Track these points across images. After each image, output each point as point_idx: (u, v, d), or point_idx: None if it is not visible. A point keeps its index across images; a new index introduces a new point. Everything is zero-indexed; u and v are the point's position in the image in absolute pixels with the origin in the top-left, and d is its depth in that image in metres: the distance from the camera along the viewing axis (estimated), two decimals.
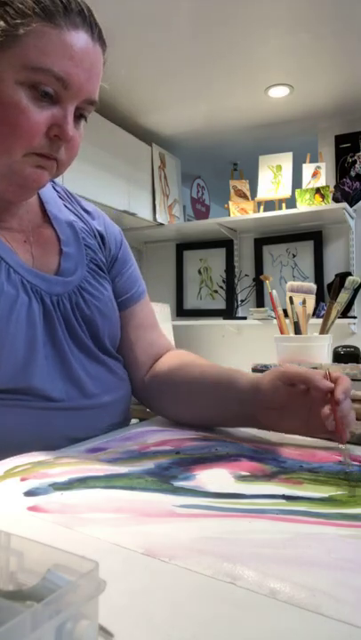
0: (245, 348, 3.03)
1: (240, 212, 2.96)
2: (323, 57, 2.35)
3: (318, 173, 2.83)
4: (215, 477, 0.48)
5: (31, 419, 0.61)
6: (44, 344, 0.63)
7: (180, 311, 3.34)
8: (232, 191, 3.03)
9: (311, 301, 1.01)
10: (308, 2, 1.94)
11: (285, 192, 2.91)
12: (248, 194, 3.01)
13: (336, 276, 2.62)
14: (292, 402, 0.60)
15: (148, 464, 0.51)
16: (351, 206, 2.73)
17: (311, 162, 2.88)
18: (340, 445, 0.56)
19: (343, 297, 0.98)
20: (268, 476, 0.49)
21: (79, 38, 0.55)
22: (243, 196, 3.02)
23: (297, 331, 0.98)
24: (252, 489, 0.45)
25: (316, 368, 0.72)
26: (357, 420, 0.65)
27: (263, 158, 3.02)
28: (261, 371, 0.77)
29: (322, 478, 0.48)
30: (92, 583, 0.21)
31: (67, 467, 0.50)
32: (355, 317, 2.75)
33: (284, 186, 2.92)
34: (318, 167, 2.85)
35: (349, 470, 0.51)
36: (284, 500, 0.43)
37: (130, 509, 0.40)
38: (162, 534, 0.36)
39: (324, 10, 1.99)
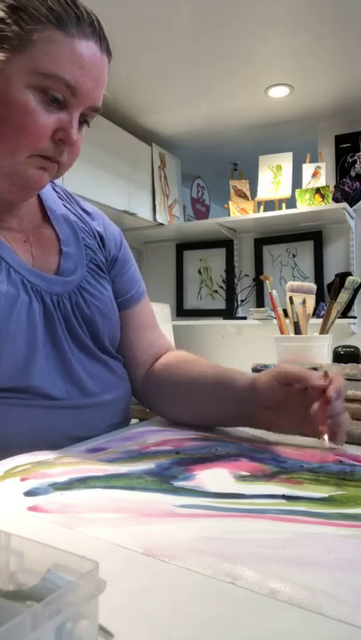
0: (245, 347, 3.03)
1: (240, 212, 2.96)
2: (323, 57, 2.35)
3: (318, 173, 2.83)
4: (215, 477, 0.48)
5: (32, 417, 0.61)
6: (44, 343, 0.64)
7: (180, 311, 3.34)
8: (232, 191, 3.03)
9: (311, 301, 1.01)
10: (308, 2, 1.94)
11: (285, 192, 2.91)
12: (248, 194, 3.01)
13: (336, 275, 2.62)
14: (288, 401, 0.60)
15: (148, 464, 0.51)
16: (351, 206, 2.73)
17: (311, 162, 2.88)
18: (323, 442, 0.56)
19: (343, 297, 0.98)
20: (268, 476, 0.49)
21: (89, 48, 0.57)
22: (243, 195, 3.02)
23: (297, 331, 0.98)
24: (252, 489, 0.45)
25: (315, 368, 0.72)
26: (356, 419, 0.65)
27: (263, 158, 3.02)
28: (261, 371, 0.77)
29: (322, 478, 0.48)
30: (92, 583, 0.21)
31: (67, 467, 0.50)
32: (355, 317, 2.75)
33: (284, 186, 2.92)
34: (318, 167, 2.85)
35: (336, 469, 0.51)
36: (284, 500, 0.43)
37: (130, 509, 0.40)
38: (162, 534, 0.36)
39: (324, 10, 1.99)
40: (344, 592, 0.28)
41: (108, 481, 0.46)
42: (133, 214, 2.86)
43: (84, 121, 0.62)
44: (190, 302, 3.36)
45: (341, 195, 2.68)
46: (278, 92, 2.66)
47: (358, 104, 2.79)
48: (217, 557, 0.32)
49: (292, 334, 0.98)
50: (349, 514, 0.40)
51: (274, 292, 1.06)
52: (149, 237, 3.36)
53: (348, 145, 2.95)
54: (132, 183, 2.87)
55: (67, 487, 0.44)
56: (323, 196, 2.72)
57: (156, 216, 3.06)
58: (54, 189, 0.78)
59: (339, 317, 1.04)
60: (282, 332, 1.01)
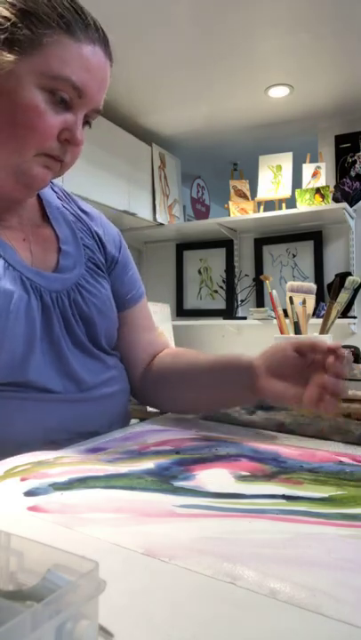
0: (245, 348, 3.01)
1: (240, 212, 2.96)
2: (323, 57, 2.35)
3: (318, 173, 2.83)
4: (215, 477, 0.48)
5: (30, 410, 0.61)
6: (42, 340, 0.64)
7: (180, 311, 3.34)
8: (232, 191, 3.03)
9: (311, 301, 1.01)
10: (308, 2, 1.94)
11: (285, 192, 2.91)
12: (248, 194, 3.01)
13: (336, 275, 2.62)
14: (298, 368, 0.62)
15: (148, 464, 0.52)
16: (351, 206, 2.73)
17: (311, 162, 2.88)
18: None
19: (343, 297, 0.98)
20: (268, 476, 0.49)
21: (95, 52, 0.60)
22: (243, 196, 3.02)
23: (297, 331, 0.98)
24: (252, 489, 0.45)
25: None
26: (357, 419, 0.65)
27: (263, 158, 3.02)
28: None
29: (322, 478, 0.48)
30: (92, 583, 0.21)
31: (67, 467, 0.50)
32: (355, 317, 2.75)
33: (284, 186, 2.92)
34: (318, 167, 2.85)
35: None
36: (284, 500, 0.43)
37: (130, 509, 0.40)
38: (162, 534, 0.36)
39: (324, 10, 1.99)
40: (344, 592, 0.28)
41: (108, 481, 0.46)
42: (133, 214, 2.86)
43: (86, 122, 0.65)
44: (190, 302, 3.36)
45: (341, 195, 2.68)
46: (278, 92, 2.66)
47: (358, 104, 2.79)
48: (217, 557, 0.32)
49: (292, 334, 0.98)
50: (349, 514, 0.40)
51: (274, 292, 1.06)
52: (149, 237, 3.35)
53: (348, 145, 2.95)
54: (132, 183, 2.87)
55: (67, 487, 0.44)
56: (323, 196, 2.72)
57: (156, 216, 3.06)
58: (53, 190, 0.78)
59: (339, 317, 1.04)
60: (282, 332, 1.01)
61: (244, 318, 2.98)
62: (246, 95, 2.69)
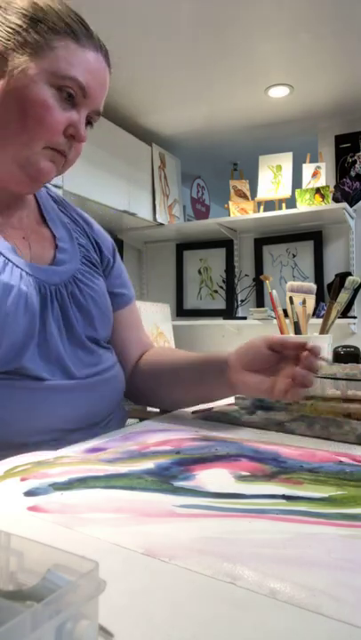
0: None
1: (240, 212, 2.96)
2: (323, 57, 2.35)
3: (318, 173, 2.83)
4: (215, 477, 0.48)
5: (22, 397, 0.62)
6: (40, 332, 0.66)
7: (180, 311, 3.34)
8: (232, 191, 3.03)
9: (311, 301, 1.01)
10: (308, 2, 1.94)
11: (285, 192, 2.91)
12: (248, 194, 3.01)
13: (336, 275, 2.62)
14: (269, 363, 0.68)
15: (148, 464, 0.52)
16: (351, 206, 2.73)
17: (311, 162, 2.88)
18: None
19: (343, 297, 0.98)
20: (268, 476, 0.49)
21: (97, 58, 0.67)
22: (243, 196, 3.02)
23: (297, 331, 0.98)
24: (252, 489, 0.45)
25: None
26: (357, 419, 0.65)
27: (263, 158, 3.02)
28: None
29: (322, 478, 0.48)
30: (92, 583, 0.21)
31: (67, 467, 0.50)
32: (355, 317, 2.75)
33: (284, 186, 2.92)
34: (318, 167, 2.85)
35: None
36: (284, 500, 0.43)
37: (130, 509, 0.40)
38: (162, 534, 0.36)
39: (324, 10, 1.99)
40: (344, 592, 0.28)
41: (108, 481, 0.46)
42: (133, 214, 2.86)
43: (88, 122, 0.70)
44: (190, 302, 3.36)
45: (341, 195, 2.68)
46: (278, 92, 2.66)
47: (358, 104, 2.79)
48: (217, 557, 0.32)
49: (292, 334, 0.98)
50: (349, 514, 0.40)
51: (274, 292, 1.06)
52: (149, 237, 3.35)
53: (348, 145, 2.95)
54: (132, 183, 2.87)
55: (67, 487, 0.45)
56: (323, 196, 2.72)
57: (156, 216, 3.06)
58: (49, 194, 0.82)
59: (339, 317, 1.04)
60: (282, 332, 1.01)
61: (244, 318, 2.98)
62: (246, 95, 2.69)
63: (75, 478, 0.47)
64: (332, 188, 2.75)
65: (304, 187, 2.83)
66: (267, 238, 3.11)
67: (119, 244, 3.15)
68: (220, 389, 0.74)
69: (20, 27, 0.62)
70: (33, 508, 0.40)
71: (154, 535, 0.36)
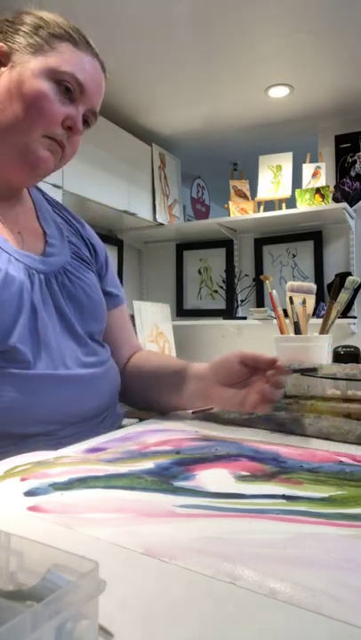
0: (245, 347, 3.00)
1: (240, 212, 2.96)
2: (323, 57, 2.35)
3: (318, 173, 2.83)
4: (215, 477, 0.48)
5: (14, 385, 0.63)
6: (30, 319, 0.67)
7: (180, 311, 3.34)
8: (232, 191, 3.03)
9: (311, 301, 1.01)
10: (308, 1, 1.94)
11: (285, 192, 2.91)
12: (248, 194, 3.01)
13: (336, 275, 2.62)
14: (241, 378, 0.72)
15: (148, 464, 0.52)
16: (351, 206, 2.72)
17: (311, 162, 2.88)
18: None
19: (343, 297, 0.98)
20: (268, 476, 0.49)
21: (93, 63, 0.73)
22: (243, 196, 3.01)
23: (297, 331, 0.98)
24: (252, 489, 0.45)
25: (315, 368, 0.72)
26: (357, 419, 0.65)
27: (263, 158, 3.01)
28: None
29: (322, 478, 0.48)
30: (92, 583, 0.21)
31: (67, 467, 0.50)
32: (355, 317, 2.75)
33: (284, 186, 2.92)
34: (318, 167, 2.84)
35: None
36: (284, 500, 0.43)
37: (130, 509, 0.40)
38: (162, 534, 0.36)
39: (324, 9, 1.99)
40: (344, 592, 0.28)
41: (108, 481, 0.46)
42: (133, 214, 2.86)
43: (85, 121, 0.74)
44: (190, 302, 3.36)
45: (341, 195, 2.68)
46: (278, 92, 2.66)
47: (358, 104, 2.79)
48: (217, 557, 0.32)
49: (292, 334, 0.98)
50: (349, 514, 0.40)
51: (274, 292, 1.05)
52: (149, 237, 3.35)
53: (348, 145, 2.95)
54: (132, 183, 2.86)
55: (67, 487, 0.45)
56: (323, 196, 2.72)
57: (156, 216, 3.06)
58: (45, 197, 0.86)
59: (339, 317, 1.04)
60: (282, 332, 1.01)
61: (244, 318, 2.98)
62: (246, 95, 2.69)
63: (75, 478, 0.47)
64: (332, 188, 2.75)
65: (304, 187, 2.82)
66: (267, 238, 3.11)
67: (119, 243, 3.15)
68: (196, 400, 0.77)
69: (25, 32, 0.69)
70: (33, 508, 0.40)
71: (154, 535, 0.36)
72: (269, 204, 2.95)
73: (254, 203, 2.96)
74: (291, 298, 1.00)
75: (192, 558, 0.32)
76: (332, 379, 0.71)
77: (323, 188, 2.73)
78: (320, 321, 0.99)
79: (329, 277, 2.88)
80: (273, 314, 2.30)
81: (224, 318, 3.02)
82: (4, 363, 0.63)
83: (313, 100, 2.75)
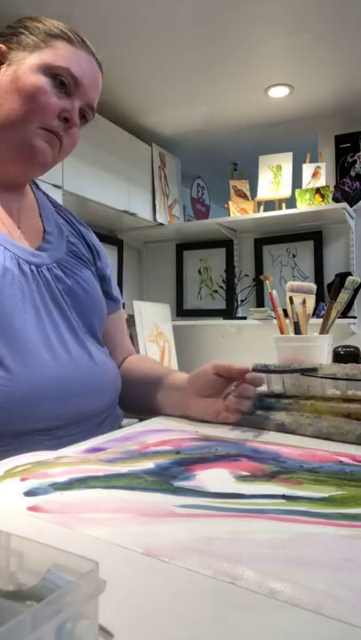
0: (245, 347, 3.03)
1: (240, 212, 2.96)
2: (323, 57, 2.35)
3: (318, 173, 2.83)
4: (215, 477, 0.48)
5: (10, 379, 0.63)
6: (22, 309, 0.68)
7: (180, 311, 3.34)
8: (232, 191, 3.03)
9: (311, 301, 1.01)
10: (309, 2, 1.94)
11: (285, 192, 2.91)
12: (248, 194, 3.01)
13: (336, 275, 2.62)
14: (215, 389, 0.74)
15: (148, 464, 0.52)
16: (351, 206, 2.72)
17: (311, 162, 2.88)
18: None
19: (343, 297, 0.98)
20: (268, 476, 0.49)
21: (89, 59, 0.74)
22: (243, 196, 3.01)
23: (297, 331, 0.98)
24: (252, 489, 0.45)
25: (315, 368, 0.72)
26: (357, 419, 0.65)
27: (263, 158, 3.01)
28: (261, 371, 0.77)
29: (322, 478, 0.48)
30: (92, 583, 0.21)
31: (67, 467, 0.50)
32: (355, 317, 2.75)
33: (284, 186, 2.92)
34: (318, 167, 2.84)
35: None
36: (284, 500, 0.43)
37: (130, 509, 0.40)
38: (162, 534, 0.36)
39: (324, 10, 1.99)
40: (344, 592, 0.28)
41: (108, 481, 0.46)
42: (133, 214, 2.86)
43: (82, 116, 0.76)
44: (190, 302, 3.36)
45: (341, 195, 2.68)
46: (278, 92, 2.66)
47: (358, 104, 2.79)
48: (217, 557, 0.32)
49: (292, 334, 0.98)
50: (349, 514, 0.40)
51: (274, 292, 1.05)
52: (149, 237, 3.35)
53: (348, 145, 2.95)
54: (132, 183, 2.86)
55: (67, 487, 0.44)
56: (323, 196, 2.72)
57: (156, 216, 3.06)
58: (49, 200, 0.88)
59: (339, 317, 1.04)
60: (282, 332, 1.01)
61: (244, 318, 2.98)
62: (246, 95, 2.69)
63: (75, 478, 0.46)
64: (332, 188, 2.75)
65: (304, 187, 2.82)
66: (267, 238, 3.11)
67: (119, 243, 3.15)
68: (176, 410, 0.80)
69: (22, 33, 0.72)
70: (33, 508, 0.40)
71: (154, 535, 0.36)
72: (269, 204, 2.95)
73: (254, 203, 2.96)
74: (291, 298, 1.00)
75: (192, 558, 0.32)
76: (332, 379, 0.70)
77: (323, 187, 2.73)
78: (320, 321, 0.99)
79: (329, 277, 2.88)
80: (273, 314, 2.30)
81: (224, 318, 3.02)
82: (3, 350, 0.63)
83: (313, 100, 2.75)
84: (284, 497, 0.43)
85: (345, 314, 2.68)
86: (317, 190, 2.74)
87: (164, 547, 0.34)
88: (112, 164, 2.67)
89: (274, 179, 2.96)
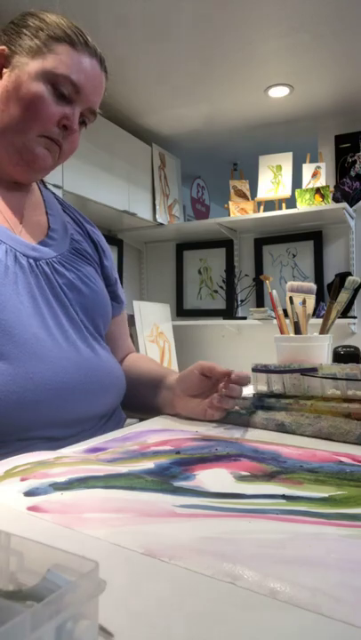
0: (245, 347, 3.03)
1: (240, 212, 2.96)
2: (323, 57, 2.35)
3: (318, 173, 2.83)
4: (215, 477, 0.48)
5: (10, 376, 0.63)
6: (21, 302, 0.67)
7: (180, 311, 3.34)
8: (232, 191, 3.03)
9: (311, 301, 1.01)
10: (308, 2, 1.94)
11: (285, 192, 2.91)
12: (248, 194, 3.01)
13: (336, 275, 2.62)
14: (201, 389, 0.76)
15: (148, 464, 0.52)
16: (351, 206, 2.72)
17: (311, 162, 2.88)
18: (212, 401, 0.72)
19: (343, 297, 0.98)
20: (268, 476, 0.49)
21: (92, 63, 0.74)
22: (243, 196, 3.01)
23: (297, 331, 0.98)
24: (252, 489, 0.45)
25: (315, 368, 0.72)
26: (357, 419, 0.65)
27: (263, 158, 3.02)
28: (261, 371, 0.77)
29: (322, 478, 0.48)
30: (92, 583, 0.21)
31: (67, 467, 0.50)
32: (355, 317, 2.75)
33: (284, 186, 2.92)
34: (318, 167, 2.85)
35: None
36: (284, 500, 0.43)
37: (130, 509, 0.40)
38: (162, 534, 0.36)
39: (324, 9, 1.99)
40: (344, 592, 0.28)
41: (108, 481, 0.46)
42: (133, 214, 2.86)
43: (82, 122, 0.76)
44: (190, 302, 3.36)
45: (341, 195, 2.68)
46: (278, 92, 2.66)
47: (358, 104, 2.79)
48: (217, 557, 0.32)
49: (292, 334, 0.98)
50: (349, 514, 0.40)
51: (274, 292, 1.05)
52: (149, 237, 3.35)
53: (348, 145, 2.95)
54: (132, 183, 2.86)
55: (67, 487, 0.44)
56: (323, 196, 2.72)
57: (156, 216, 3.06)
58: (56, 198, 0.88)
59: (339, 317, 1.04)
60: (282, 332, 1.01)
61: (244, 318, 2.98)
62: (246, 95, 2.69)
63: (75, 478, 0.46)
64: (332, 188, 2.75)
65: (304, 187, 2.82)
66: (267, 238, 3.11)
67: (119, 243, 3.15)
68: (166, 409, 0.81)
69: (26, 35, 0.72)
70: (33, 508, 0.40)
71: (154, 535, 0.36)
72: (269, 204, 2.95)
73: (254, 203, 2.96)
74: (291, 298, 1.00)
75: (192, 558, 0.32)
76: (332, 379, 0.70)
77: (323, 187, 2.73)
78: (320, 321, 0.99)
79: (329, 277, 2.88)
80: (273, 314, 2.30)
81: (224, 318, 3.02)
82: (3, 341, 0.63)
83: (313, 100, 2.75)
84: (284, 497, 0.43)
85: (345, 314, 2.68)
86: (317, 190, 2.74)
87: (164, 547, 0.34)
88: (112, 163, 2.67)
89: (274, 179, 2.96)
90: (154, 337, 2.82)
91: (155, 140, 3.14)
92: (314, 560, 0.32)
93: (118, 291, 0.91)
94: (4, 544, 0.24)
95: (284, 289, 1.09)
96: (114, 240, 3.10)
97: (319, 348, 0.89)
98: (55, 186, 2.20)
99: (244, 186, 3.03)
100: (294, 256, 3.04)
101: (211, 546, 0.34)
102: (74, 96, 0.72)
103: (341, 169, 2.96)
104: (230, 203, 2.99)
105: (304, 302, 0.99)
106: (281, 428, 0.68)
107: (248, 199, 2.99)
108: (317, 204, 2.73)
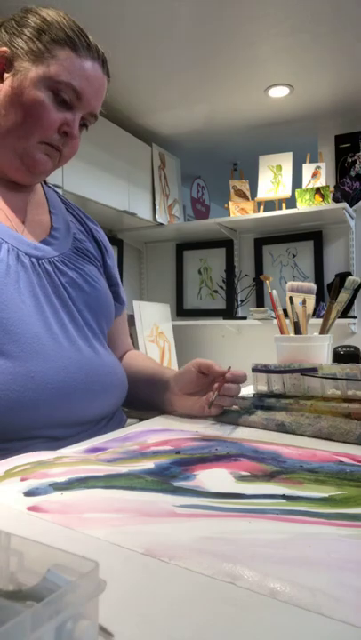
0: (245, 347, 3.03)
1: (240, 212, 2.96)
2: (323, 57, 2.35)
3: (318, 173, 2.83)
4: (215, 477, 0.48)
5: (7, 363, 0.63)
6: (23, 301, 0.67)
7: (180, 311, 3.34)
8: (232, 191, 3.03)
9: (311, 301, 1.01)
10: (308, 2, 1.94)
11: (285, 192, 2.91)
12: (248, 194, 3.01)
13: (336, 275, 2.62)
14: (199, 387, 0.77)
15: (148, 464, 0.52)
16: (351, 206, 2.72)
17: (311, 162, 2.88)
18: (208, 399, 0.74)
19: (343, 297, 0.98)
20: (268, 476, 0.49)
21: (93, 66, 0.73)
22: (243, 195, 3.01)
23: (297, 331, 0.98)
24: (252, 489, 0.45)
25: (315, 368, 0.72)
26: (357, 419, 0.65)
27: (263, 158, 3.02)
28: (261, 371, 0.77)
29: (322, 478, 0.48)
30: (92, 583, 0.21)
31: (67, 467, 0.50)
32: (355, 317, 2.75)
33: (284, 186, 2.92)
34: (318, 167, 2.85)
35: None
36: (284, 500, 0.43)
37: (130, 509, 0.40)
38: (162, 534, 0.36)
39: (324, 9, 1.99)
40: (344, 592, 0.28)
41: (108, 481, 0.46)
42: (133, 214, 2.86)
43: (83, 124, 0.77)
44: (190, 302, 3.36)
45: (341, 195, 2.68)
46: (278, 92, 2.66)
47: (358, 104, 2.79)
48: (217, 557, 0.32)
49: (292, 334, 0.98)
50: (349, 514, 0.40)
51: (274, 292, 1.05)
52: (149, 237, 3.35)
53: (348, 145, 2.95)
54: (132, 183, 2.86)
55: (67, 487, 0.44)
56: (323, 196, 2.72)
57: (156, 216, 3.06)
58: (59, 197, 0.89)
59: (339, 317, 1.04)
60: (282, 332, 1.01)
61: (244, 318, 2.98)
62: (246, 95, 2.69)
63: (75, 478, 0.46)
64: (332, 188, 2.75)
65: (304, 187, 2.82)
66: (267, 238, 3.11)
67: (119, 243, 3.15)
68: (165, 406, 0.82)
69: (28, 37, 0.71)
70: (33, 508, 0.40)
71: (154, 535, 0.36)
72: (269, 204, 2.95)
73: (254, 203, 2.96)
74: (291, 298, 1.00)
75: (192, 558, 0.32)
76: (332, 379, 0.71)
77: (323, 187, 2.73)
78: (320, 321, 0.99)
79: (329, 277, 2.88)
80: (273, 314, 2.30)
81: (224, 318, 3.02)
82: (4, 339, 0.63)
83: (313, 100, 2.75)
84: (284, 497, 0.43)
85: (345, 314, 2.68)
86: (317, 190, 2.74)
87: (164, 547, 0.34)
88: (112, 163, 2.67)
89: (274, 179, 2.96)
90: (154, 337, 2.82)
91: (155, 140, 3.14)
92: (314, 560, 0.32)
93: (120, 291, 0.91)
94: (3, 544, 0.24)
95: (284, 289, 1.09)
96: (114, 240, 3.10)
97: (319, 348, 0.89)
98: (55, 186, 2.20)
99: (244, 186, 3.03)
100: (294, 256, 3.04)
101: (211, 546, 0.34)
102: (75, 102, 0.72)
103: (341, 169, 2.96)
104: (230, 203, 2.99)
105: (304, 302, 0.99)
106: (281, 428, 0.68)
107: (248, 199, 3.00)
108: (317, 204, 2.73)
